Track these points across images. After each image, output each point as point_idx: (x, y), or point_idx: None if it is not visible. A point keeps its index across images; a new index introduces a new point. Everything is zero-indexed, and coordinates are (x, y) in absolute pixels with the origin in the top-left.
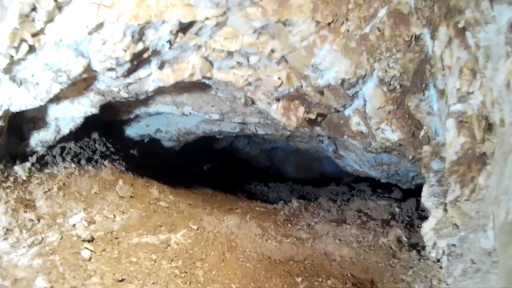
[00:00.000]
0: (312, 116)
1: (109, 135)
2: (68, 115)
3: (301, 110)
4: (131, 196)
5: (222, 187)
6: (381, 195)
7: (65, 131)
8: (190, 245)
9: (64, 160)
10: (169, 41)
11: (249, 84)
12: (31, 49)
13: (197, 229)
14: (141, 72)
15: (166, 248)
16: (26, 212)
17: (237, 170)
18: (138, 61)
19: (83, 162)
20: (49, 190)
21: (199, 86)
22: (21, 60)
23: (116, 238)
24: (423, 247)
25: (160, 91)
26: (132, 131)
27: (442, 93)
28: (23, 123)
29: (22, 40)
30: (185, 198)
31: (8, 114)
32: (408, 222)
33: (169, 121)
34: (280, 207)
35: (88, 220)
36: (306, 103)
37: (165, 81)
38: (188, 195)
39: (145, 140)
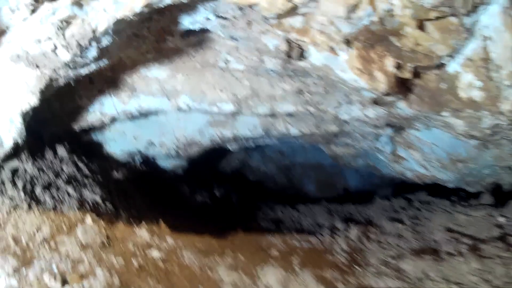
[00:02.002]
0: (407, 74)
1: (85, 154)
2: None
3: (390, 62)
4: (103, 244)
5: (239, 217)
6: (462, 203)
7: (8, 142)
8: None
9: (15, 187)
10: None
11: (294, 10)
12: None
13: None
14: None
15: None
16: None
17: (252, 194)
18: None
19: (38, 190)
20: None
21: (198, 50)
22: None
23: None
24: None
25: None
26: (117, 147)
27: None
28: None
29: None
30: (191, 240)
31: None
32: None
33: (163, 128)
34: (329, 239)
35: None
36: (394, 51)
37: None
38: (196, 235)
39: (136, 160)
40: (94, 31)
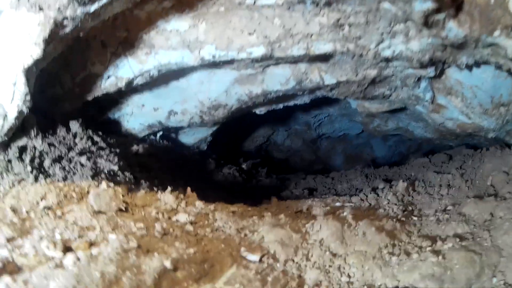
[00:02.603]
0: None
1: (101, 130)
2: (2, 77)
3: None
4: (120, 210)
5: (270, 188)
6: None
7: (12, 113)
8: None
9: (21, 163)
10: None
11: None
12: None
13: (260, 260)
14: None
15: None
16: None
17: (280, 169)
18: None
19: (46, 163)
20: None
21: None
22: None
23: None
24: None
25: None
26: (136, 122)
27: None
28: None
29: None
30: (223, 206)
31: None
32: None
33: (185, 94)
34: (374, 197)
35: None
36: None
37: None
38: (227, 202)
39: (157, 135)
40: None
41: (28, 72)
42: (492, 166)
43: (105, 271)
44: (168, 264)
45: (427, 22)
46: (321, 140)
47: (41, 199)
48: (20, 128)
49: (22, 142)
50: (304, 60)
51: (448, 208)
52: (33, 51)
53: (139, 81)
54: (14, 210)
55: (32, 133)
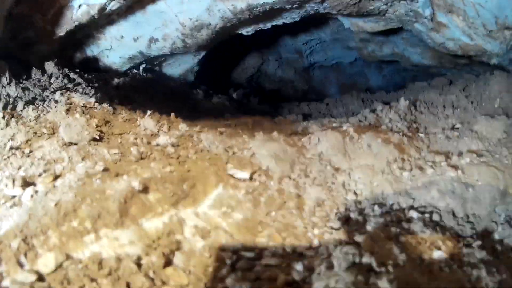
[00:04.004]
0: None
1: (82, 69)
2: None
3: None
4: (93, 139)
5: (262, 114)
6: None
7: None
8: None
9: None
10: None
11: None
12: None
13: (251, 178)
14: None
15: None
16: None
17: (272, 100)
18: None
19: (19, 106)
20: None
21: None
22: None
23: None
24: None
25: None
26: (116, 56)
27: None
28: None
29: None
30: (210, 126)
31: None
32: None
33: (164, 17)
34: (374, 117)
35: None
36: None
37: None
38: (214, 125)
39: (140, 68)
40: None
41: None
42: (500, 87)
43: (61, 201)
44: (136, 184)
45: None
46: (314, 70)
47: (9, 140)
48: None
49: None
50: None
51: (457, 126)
52: None
53: (113, 6)
54: None
55: (5, 80)
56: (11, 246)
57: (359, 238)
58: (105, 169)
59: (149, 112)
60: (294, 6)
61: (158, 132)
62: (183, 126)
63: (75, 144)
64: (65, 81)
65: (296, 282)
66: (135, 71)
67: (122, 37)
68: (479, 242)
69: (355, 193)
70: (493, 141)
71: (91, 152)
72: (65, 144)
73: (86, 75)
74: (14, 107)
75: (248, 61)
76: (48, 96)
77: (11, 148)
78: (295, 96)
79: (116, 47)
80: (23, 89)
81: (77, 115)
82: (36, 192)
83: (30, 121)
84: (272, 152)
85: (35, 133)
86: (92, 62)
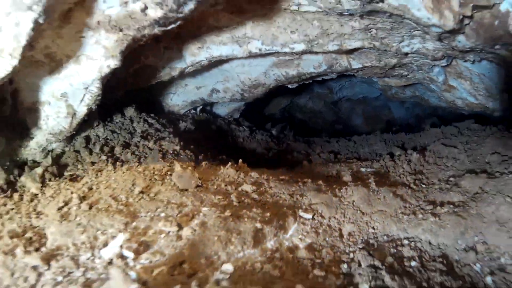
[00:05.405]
0: (468, 12)
1: (148, 110)
2: (78, 83)
3: (455, 1)
4: (197, 186)
5: (299, 152)
6: (509, 130)
7: (81, 111)
8: (314, 252)
9: (91, 153)
10: None
11: None
12: None
13: (312, 218)
14: None
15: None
16: (27, 252)
17: (303, 130)
18: None
19: (117, 150)
20: (65, 204)
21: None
22: None
23: (194, 274)
24: None
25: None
26: (179, 99)
27: None
28: (26, 115)
29: None
30: (271, 174)
31: None
32: None
33: (227, 75)
34: (392, 164)
35: (133, 246)
36: None
37: None
38: (270, 169)
39: (197, 109)
40: None
41: (103, 78)
42: (492, 146)
43: (219, 235)
44: (258, 225)
45: (441, 38)
46: (342, 102)
47: (133, 185)
48: (85, 120)
49: (86, 132)
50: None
51: (450, 179)
52: (111, 62)
53: (189, 69)
54: (114, 198)
55: (94, 122)
56: None
57: (373, 252)
58: (231, 214)
59: (228, 162)
60: (334, 73)
61: (237, 178)
62: (254, 174)
63: (186, 190)
64: (146, 125)
65: (343, 274)
66: (193, 111)
67: (186, 85)
68: (442, 260)
69: (373, 228)
70: (470, 194)
71: (203, 198)
72: (180, 190)
73: (160, 119)
74: (111, 150)
75: (283, 96)
76: (139, 143)
77: (139, 192)
78: (324, 126)
79: (180, 93)
80: (111, 131)
81: (179, 167)
82: (194, 230)
83: (137, 166)
84: (323, 200)
85: (150, 179)
86: (157, 103)
